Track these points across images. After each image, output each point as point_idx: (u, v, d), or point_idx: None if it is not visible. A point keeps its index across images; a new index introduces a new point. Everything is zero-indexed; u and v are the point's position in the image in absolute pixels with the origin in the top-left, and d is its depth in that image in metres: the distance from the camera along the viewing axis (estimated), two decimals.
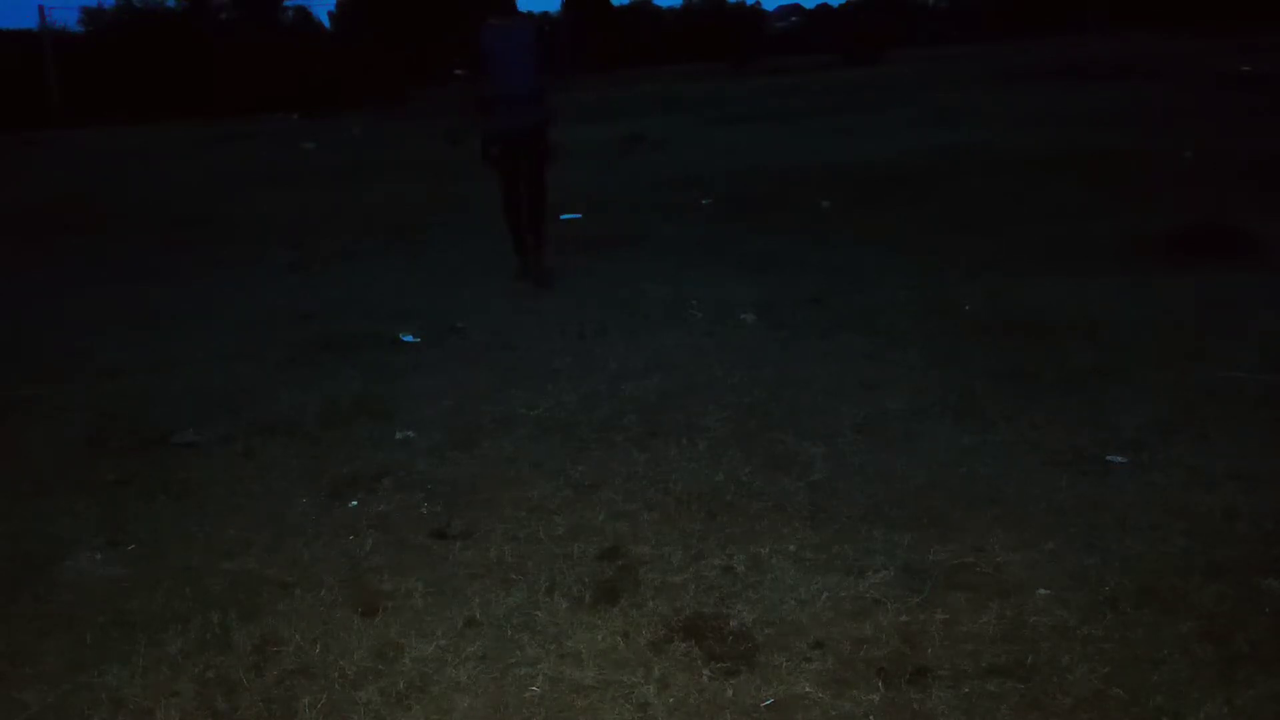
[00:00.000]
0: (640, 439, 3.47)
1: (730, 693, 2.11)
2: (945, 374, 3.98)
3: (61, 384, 4.41)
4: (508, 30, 5.58)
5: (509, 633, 2.36)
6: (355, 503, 3.11)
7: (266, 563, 2.75)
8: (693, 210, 8.04)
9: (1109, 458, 3.16)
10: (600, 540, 2.76)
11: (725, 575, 2.56)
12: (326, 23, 33.94)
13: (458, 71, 6.68)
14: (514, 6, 5.71)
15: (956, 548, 2.64)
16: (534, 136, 5.68)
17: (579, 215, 7.91)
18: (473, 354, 4.56)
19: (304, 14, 34.02)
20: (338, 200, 9.41)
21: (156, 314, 5.66)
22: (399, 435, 3.61)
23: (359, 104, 20.36)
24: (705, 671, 2.18)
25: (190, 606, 2.54)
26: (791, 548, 2.68)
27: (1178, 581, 2.43)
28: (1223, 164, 8.20)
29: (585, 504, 3.00)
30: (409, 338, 4.84)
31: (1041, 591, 2.42)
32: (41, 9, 21.71)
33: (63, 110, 21.64)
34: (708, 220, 7.69)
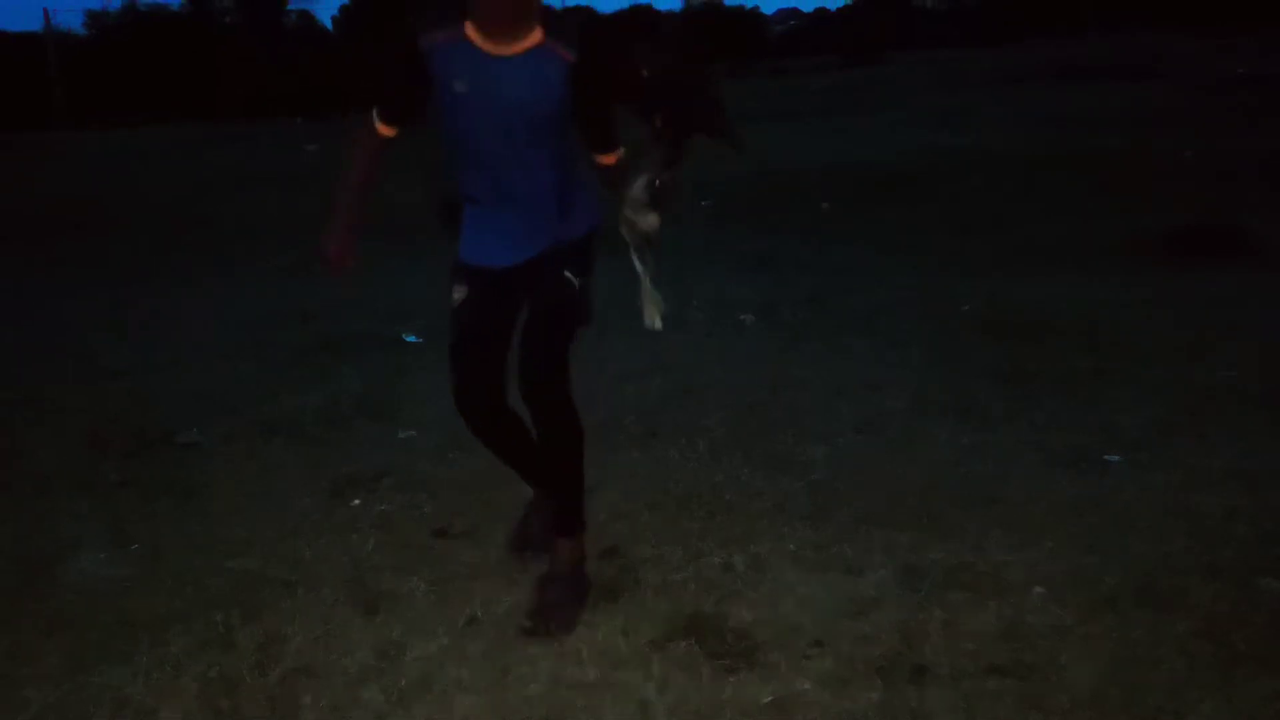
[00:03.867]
0: (640, 439, 3.48)
1: (730, 691, 2.12)
2: (945, 374, 3.99)
3: (63, 384, 4.42)
4: (500, 64, 2.23)
5: (510, 632, 2.36)
6: (357, 502, 3.11)
7: (268, 562, 2.76)
8: (693, 210, 8.04)
9: (1109, 458, 3.17)
10: (600, 540, 2.76)
11: (725, 575, 2.57)
12: (329, 26, 33.96)
13: (369, 123, 2.36)
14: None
15: (956, 547, 2.64)
16: (547, 278, 2.45)
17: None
18: None
19: (307, 17, 34.04)
20: None
21: (158, 314, 5.67)
22: (400, 435, 3.62)
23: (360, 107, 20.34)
24: (705, 670, 2.19)
25: (192, 606, 2.54)
26: (791, 547, 2.68)
27: (1177, 581, 2.43)
28: (1223, 164, 8.20)
29: (585, 504, 3.00)
30: (410, 338, 4.85)
31: (1040, 591, 2.43)
32: (46, 11, 21.76)
33: (67, 112, 21.65)
34: (708, 220, 7.69)
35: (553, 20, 2.25)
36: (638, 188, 2.26)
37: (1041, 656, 2.18)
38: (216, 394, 4.19)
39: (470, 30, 2.23)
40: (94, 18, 25.98)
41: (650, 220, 2.32)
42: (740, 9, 35.23)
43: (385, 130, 2.38)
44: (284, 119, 19.27)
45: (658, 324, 2.48)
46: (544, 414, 2.39)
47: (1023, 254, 5.99)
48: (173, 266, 7.03)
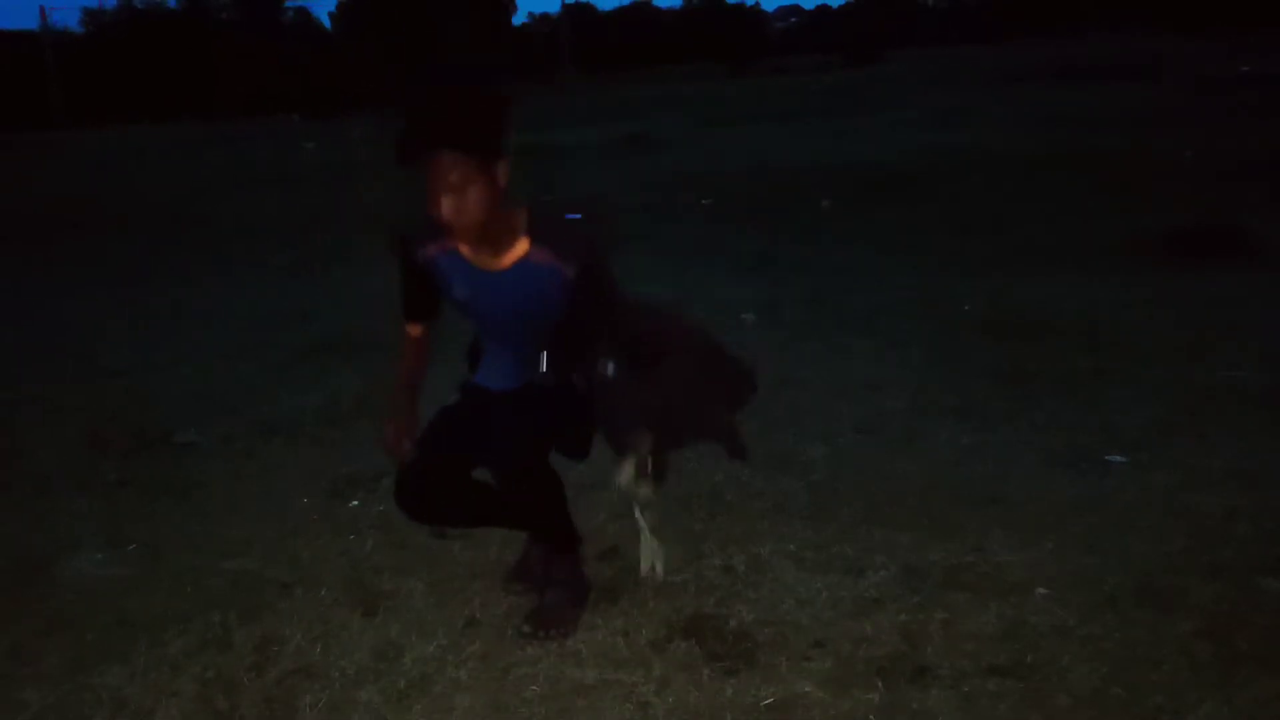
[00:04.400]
0: None
1: (730, 692, 2.11)
2: (945, 374, 3.98)
3: (63, 384, 4.42)
4: (491, 278, 2.22)
5: (509, 632, 2.36)
6: (356, 502, 3.11)
7: (267, 562, 2.76)
8: (693, 210, 8.05)
9: (1109, 458, 3.16)
10: (601, 540, 2.76)
11: (725, 575, 2.56)
12: (327, 23, 33.97)
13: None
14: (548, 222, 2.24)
15: (956, 547, 2.64)
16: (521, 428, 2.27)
17: (579, 215, 7.90)
18: None
19: (304, 15, 34.06)
20: (338, 200, 9.42)
21: (157, 314, 5.67)
22: None
23: (359, 104, 20.38)
24: (705, 671, 2.18)
25: (191, 606, 2.54)
26: (791, 548, 2.68)
27: (1178, 581, 2.43)
28: (1223, 164, 8.21)
29: (585, 504, 2.99)
30: None
31: (1041, 591, 2.42)
32: (43, 10, 21.75)
33: (64, 111, 21.65)
34: (708, 220, 7.70)
35: (540, 228, 2.19)
36: (624, 474, 2.25)
37: (1042, 657, 2.17)
38: (216, 394, 4.19)
39: (458, 243, 2.20)
40: (91, 16, 26.02)
41: (644, 492, 2.32)
42: (741, 6, 35.24)
43: (416, 329, 2.41)
44: (282, 116, 19.28)
45: (659, 570, 2.50)
46: (519, 491, 2.30)
47: (1023, 254, 5.99)
48: (172, 266, 7.03)
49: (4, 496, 3.30)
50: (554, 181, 9.68)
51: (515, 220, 2.18)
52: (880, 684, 2.11)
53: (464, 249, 2.21)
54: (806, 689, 2.11)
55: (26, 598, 2.64)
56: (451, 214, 2.07)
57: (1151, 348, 4.16)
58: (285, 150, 13.67)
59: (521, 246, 2.19)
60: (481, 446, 2.29)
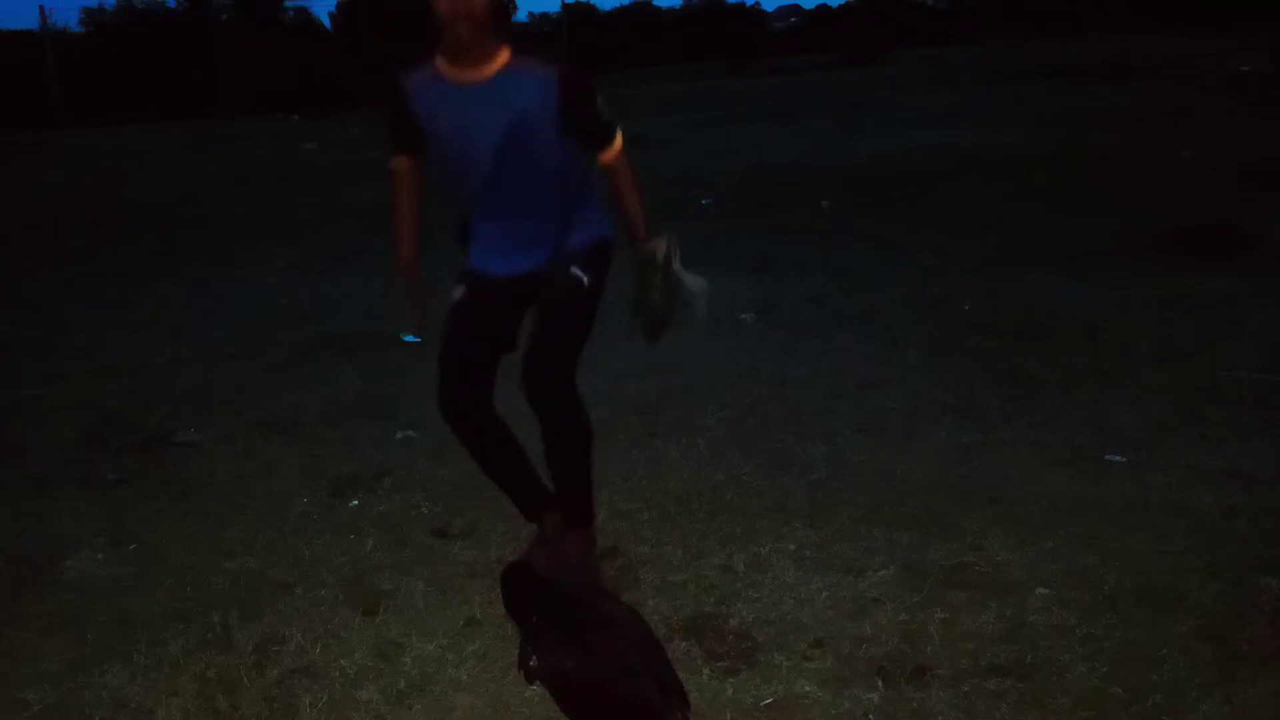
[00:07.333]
0: (640, 439, 3.47)
1: (730, 691, 2.12)
2: (945, 374, 3.98)
3: (62, 384, 4.41)
4: (473, 92, 2.26)
5: (509, 631, 2.35)
6: (356, 502, 3.11)
7: (267, 562, 2.76)
8: (693, 210, 8.04)
9: (1108, 457, 3.17)
10: (600, 539, 2.76)
11: (725, 575, 2.57)
12: (327, 23, 33.95)
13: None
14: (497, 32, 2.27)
15: (956, 547, 2.64)
16: (553, 276, 2.46)
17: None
18: None
19: (304, 14, 33.99)
20: (338, 200, 9.41)
21: (157, 314, 5.66)
22: (399, 435, 3.62)
23: (360, 104, 20.36)
24: (705, 670, 2.19)
25: (191, 606, 2.54)
26: (791, 547, 2.68)
27: (1177, 581, 2.43)
28: (1222, 164, 8.20)
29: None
30: (410, 337, 4.84)
31: (1041, 590, 2.43)
32: (42, 9, 21.72)
33: (64, 110, 21.65)
34: (708, 220, 7.69)
35: (520, 47, 2.29)
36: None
37: (1042, 656, 2.18)
38: (216, 393, 4.19)
39: (441, 65, 2.29)
40: (91, 15, 26.00)
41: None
42: (740, 5, 35.21)
43: (404, 160, 2.50)
44: (282, 116, 19.27)
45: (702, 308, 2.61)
46: (547, 410, 2.39)
47: (1023, 254, 5.99)
48: (172, 266, 7.02)
49: (4, 496, 3.30)
50: None
51: (489, 24, 2.23)
52: (880, 684, 2.11)
53: (447, 71, 2.27)
54: (806, 689, 2.11)
55: (26, 598, 2.64)
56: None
57: (1151, 348, 4.17)
58: (285, 150, 13.66)
59: (503, 57, 2.26)
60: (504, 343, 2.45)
